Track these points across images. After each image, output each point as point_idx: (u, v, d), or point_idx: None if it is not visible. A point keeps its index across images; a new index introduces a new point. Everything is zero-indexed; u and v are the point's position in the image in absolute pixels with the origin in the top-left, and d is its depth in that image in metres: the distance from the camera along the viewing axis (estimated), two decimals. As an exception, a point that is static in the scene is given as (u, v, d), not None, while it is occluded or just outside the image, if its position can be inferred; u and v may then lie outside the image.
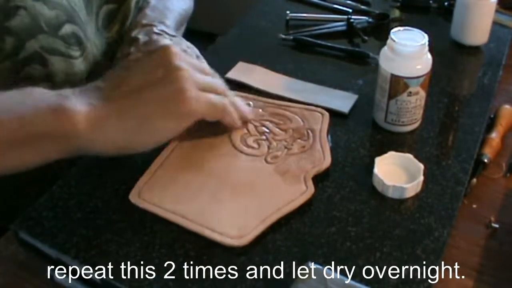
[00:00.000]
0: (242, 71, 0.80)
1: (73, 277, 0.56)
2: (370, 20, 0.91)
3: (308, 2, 0.99)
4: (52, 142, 0.55)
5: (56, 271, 0.57)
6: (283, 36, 0.88)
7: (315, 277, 0.50)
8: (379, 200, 0.61)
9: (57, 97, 0.55)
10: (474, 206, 0.65)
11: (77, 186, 0.63)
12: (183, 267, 0.54)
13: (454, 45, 0.86)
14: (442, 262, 0.55)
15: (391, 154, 0.64)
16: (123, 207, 0.59)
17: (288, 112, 0.71)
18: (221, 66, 0.79)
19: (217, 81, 0.63)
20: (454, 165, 0.65)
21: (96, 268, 0.54)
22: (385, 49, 0.67)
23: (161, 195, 0.60)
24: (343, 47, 0.85)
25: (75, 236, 0.57)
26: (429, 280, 0.52)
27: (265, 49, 0.87)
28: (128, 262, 0.54)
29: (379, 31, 0.89)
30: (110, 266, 0.54)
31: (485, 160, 0.69)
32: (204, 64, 0.65)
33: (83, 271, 0.54)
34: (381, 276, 0.53)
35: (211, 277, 0.53)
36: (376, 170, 0.61)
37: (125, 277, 0.53)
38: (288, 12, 0.94)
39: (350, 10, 0.94)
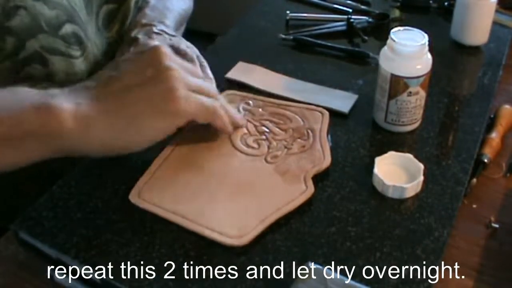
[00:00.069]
0: (242, 71, 0.80)
1: (73, 277, 0.56)
2: (370, 20, 0.91)
3: (308, 2, 0.99)
4: (36, 141, 0.54)
5: (56, 271, 0.57)
6: (283, 36, 0.88)
7: (315, 277, 0.50)
8: (379, 200, 0.61)
9: (43, 95, 0.55)
10: (474, 206, 0.65)
11: (77, 186, 0.63)
12: (183, 267, 0.54)
13: (454, 45, 0.86)
14: (442, 262, 0.55)
15: (391, 154, 0.64)
16: (123, 207, 0.59)
17: (288, 111, 0.71)
18: (221, 66, 0.79)
19: (208, 85, 0.63)
20: (454, 165, 0.65)
21: (96, 268, 0.54)
22: (385, 49, 0.67)
23: (161, 195, 0.60)
24: (343, 47, 0.85)
25: (75, 236, 0.57)
26: (429, 280, 0.52)
27: (265, 49, 0.87)
28: (128, 262, 0.54)
29: (379, 31, 0.89)
30: (110, 266, 0.54)
31: (485, 160, 0.69)
32: (195, 68, 0.64)
33: (83, 271, 0.54)
34: (381, 276, 0.53)
35: (211, 277, 0.53)
36: (376, 170, 0.61)
37: (125, 277, 0.53)
38: (288, 12, 0.94)
39: (350, 10, 0.94)
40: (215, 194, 0.60)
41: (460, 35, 0.86)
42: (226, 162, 0.64)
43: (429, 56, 0.66)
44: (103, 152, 0.57)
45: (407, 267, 0.53)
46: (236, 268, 0.54)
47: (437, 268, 0.53)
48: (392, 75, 0.66)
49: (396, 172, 0.63)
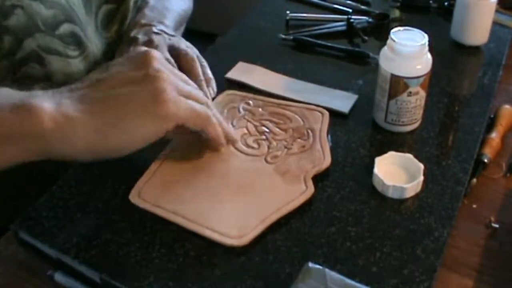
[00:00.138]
0: (242, 71, 0.80)
1: (73, 277, 0.56)
2: (370, 20, 0.91)
3: (308, 2, 0.99)
4: (17, 142, 0.51)
5: (56, 271, 0.57)
6: (283, 36, 0.88)
7: (315, 277, 0.50)
8: (379, 200, 0.61)
9: (24, 96, 0.53)
10: (474, 206, 0.65)
11: (77, 186, 0.63)
12: (183, 267, 0.54)
13: (454, 45, 0.86)
14: (442, 262, 0.55)
15: (391, 154, 0.64)
16: (123, 207, 0.59)
17: (288, 111, 0.71)
18: (221, 66, 0.79)
19: (200, 93, 0.61)
20: (454, 165, 0.65)
21: (96, 268, 0.54)
22: (385, 49, 0.67)
23: (161, 195, 0.60)
24: (343, 47, 0.85)
25: (75, 236, 0.57)
26: (429, 280, 0.52)
27: (265, 49, 0.87)
28: (128, 262, 0.54)
29: (379, 31, 0.89)
30: (110, 266, 0.54)
31: (485, 160, 0.69)
32: (185, 76, 0.61)
33: (83, 271, 0.54)
34: (381, 276, 0.53)
35: (211, 277, 0.53)
36: (376, 170, 0.61)
37: (125, 277, 0.53)
38: (288, 12, 0.94)
39: (350, 10, 0.94)
40: (215, 194, 0.60)
41: (460, 35, 0.86)
42: (226, 162, 0.64)
43: (429, 56, 0.66)
44: (89, 155, 0.54)
45: (407, 267, 0.53)
46: (236, 268, 0.54)
47: (437, 268, 0.53)
48: (392, 75, 0.66)
49: (396, 172, 0.63)
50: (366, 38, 0.87)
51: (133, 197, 0.60)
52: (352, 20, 0.89)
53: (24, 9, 0.64)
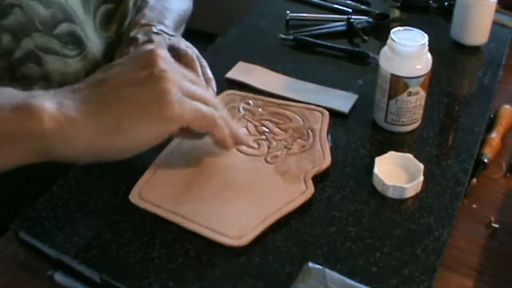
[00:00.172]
0: (242, 71, 0.80)
1: (73, 277, 0.56)
2: (370, 20, 0.91)
3: (308, 2, 0.99)
4: (16, 143, 0.50)
5: (56, 271, 0.57)
6: (283, 36, 0.88)
7: (315, 277, 0.50)
8: (379, 200, 0.61)
9: (25, 96, 0.51)
10: (474, 206, 0.65)
11: (77, 186, 0.63)
12: (183, 267, 0.54)
13: (454, 45, 0.86)
14: (442, 262, 0.55)
15: (391, 154, 0.64)
16: (123, 207, 0.59)
17: (288, 111, 0.71)
18: (221, 66, 0.79)
19: (208, 94, 0.59)
20: (454, 165, 0.65)
21: (96, 268, 0.54)
22: (385, 49, 0.67)
23: (161, 195, 0.60)
24: (343, 47, 0.85)
25: (75, 236, 0.57)
26: (429, 280, 0.52)
27: (265, 49, 0.87)
28: (128, 262, 0.54)
29: (379, 31, 0.89)
30: (110, 266, 0.54)
31: (485, 160, 0.69)
32: (196, 76, 0.60)
33: (83, 271, 0.54)
34: (381, 276, 0.53)
35: (211, 277, 0.53)
36: (376, 170, 0.61)
37: (125, 277, 0.53)
38: (288, 12, 0.94)
39: (350, 10, 0.94)
40: (215, 194, 0.60)
41: (460, 35, 0.86)
42: (226, 162, 0.64)
43: (429, 56, 0.66)
44: (90, 156, 0.53)
45: (407, 267, 0.53)
46: (236, 268, 0.54)
47: (437, 268, 0.53)
48: (392, 75, 0.66)
49: (396, 172, 0.63)
50: (366, 38, 0.87)
51: (133, 197, 0.60)
52: (352, 20, 0.89)
53: (22, 9, 0.64)
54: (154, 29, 0.73)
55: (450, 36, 0.87)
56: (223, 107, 0.60)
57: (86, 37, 0.73)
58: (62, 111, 0.51)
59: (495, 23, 0.85)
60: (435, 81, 0.74)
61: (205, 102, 0.56)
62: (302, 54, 0.86)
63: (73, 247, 0.55)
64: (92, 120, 0.51)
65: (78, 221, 0.58)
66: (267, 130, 0.68)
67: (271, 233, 0.57)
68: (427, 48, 0.66)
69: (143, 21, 0.74)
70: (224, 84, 0.77)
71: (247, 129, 0.68)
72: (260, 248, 0.55)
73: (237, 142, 0.61)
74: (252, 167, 0.63)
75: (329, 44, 0.86)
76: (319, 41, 0.86)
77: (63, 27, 0.69)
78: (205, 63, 0.72)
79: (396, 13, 0.95)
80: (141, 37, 0.71)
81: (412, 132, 0.70)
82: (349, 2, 0.98)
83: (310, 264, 0.51)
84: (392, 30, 0.67)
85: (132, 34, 0.72)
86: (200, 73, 0.70)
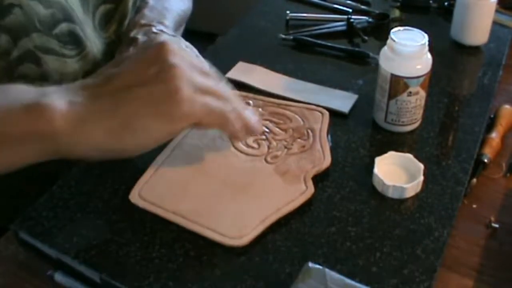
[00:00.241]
0: (242, 71, 0.80)
1: (73, 277, 0.56)
2: (370, 20, 0.91)
3: (308, 2, 0.99)
4: (26, 143, 0.50)
5: (56, 271, 0.57)
6: (283, 36, 0.88)
7: (315, 277, 0.50)
8: (379, 200, 0.61)
9: (35, 93, 0.51)
10: (474, 206, 0.65)
11: (77, 186, 0.63)
12: (183, 267, 0.54)
13: (454, 45, 0.86)
14: (442, 262, 0.55)
15: (391, 154, 0.64)
16: (123, 207, 0.59)
17: (288, 111, 0.71)
18: (221, 66, 0.78)
19: (219, 85, 0.57)
20: (454, 165, 0.65)
21: (96, 268, 0.54)
22: (385, 49, 0.67)
23: (161, 195, 0.60)
24: (343, 47, 0.85)
25: (75, 236, 0.57)
26: (429, 280, 0.52)
27: (265, 49, 0.87)
28: (128, 262, 0.54)
29: (379, 31, 0.89)
30: (110, 266, 0.54)
31: (485, 160, 0.69)
32: (205, 64, 0.59)
33: (83, 271, 0.54)
34: (381, 276, 0.53)
35: (211, 277, 0.53)
36: (376, 170, 0.61)
37: (125, 277, 0.53)
38: (288, 12, 0.94)
39: (350, 10, 0.94)
40: (215, 194, 0.60)
41: (460, 35, 0.86)
42: (226, 162, 0.64)
43: (429, 56, 0.66)
44: (99, 154, 0.53)
45: (407, 267, 0.53)
46: (236, 268, 0.54)
47: (437, 268, 0.53)
48: (392, 75, 0.66)
49: (396, 172, 0.63)
50: (366, 38, 0.87)
51: (133, 197, 0.60)
52: (352, 20, 0.89)
53: (22, 9, 0.64)
54: (154, 29, 0.73)
55: (450, 36, 0.87)
56: (236, 96, 0.59)
57: (86, 37, 0.73)
58: (72, 111, 0.50)
59: (495, 23, 0.85)
60: (435, 81, 0.74)
61: (217, 96, 0.55)
62: (302, 54, 0.86)
63: (73, 247, 0.56)
64: (101, 119, 0.51)
65: (78, 221, 0.58)
66: (267, 130, 0.68)
67: (271, 233, 0.57)
68: (427, 48, 0.66)
69: (143, 21, 0.74)
70: (224, 84, 0.77)
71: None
72: (260, 248, 0.55)
73: (251, 133, 0.60)
74: (252, 167, 0.63)
75: (329, 44, 0.86)
76: (319, 41, 0.86)
77: (63, 27, 0.69)
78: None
79: (396, 13, 0.95)
80: (141, 37, 0.71)
81: (412, 132, 0.70)
82: (349, 2, 0.98)
83: (310, 264, 0.51)
84: (392, 30, 0.67)
85: (132, 34, 0.72)
86: None
